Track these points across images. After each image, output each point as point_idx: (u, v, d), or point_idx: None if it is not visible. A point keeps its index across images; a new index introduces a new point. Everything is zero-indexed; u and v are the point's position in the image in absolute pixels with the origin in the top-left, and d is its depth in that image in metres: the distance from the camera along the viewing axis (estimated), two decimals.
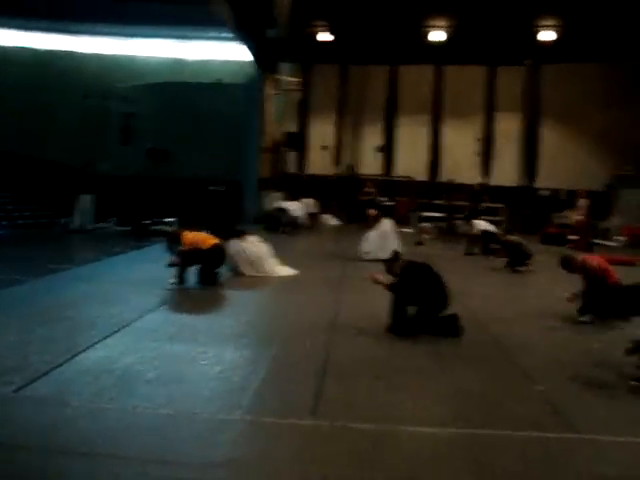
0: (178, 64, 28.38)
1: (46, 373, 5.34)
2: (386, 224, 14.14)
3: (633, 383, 5.66)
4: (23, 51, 28.47)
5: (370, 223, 14.44)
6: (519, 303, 10.06)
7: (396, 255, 8.02)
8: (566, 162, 24.96)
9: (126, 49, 28.81)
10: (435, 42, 23.70)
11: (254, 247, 11.09)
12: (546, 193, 25.78)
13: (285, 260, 11.88)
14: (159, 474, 3.78)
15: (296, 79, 25.50)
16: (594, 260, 9.04)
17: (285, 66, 26.24)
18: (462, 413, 4.98)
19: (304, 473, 3.86)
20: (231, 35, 23.41)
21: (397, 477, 3.87)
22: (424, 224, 21.32)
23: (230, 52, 26.87)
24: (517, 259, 13.34)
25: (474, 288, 10.86)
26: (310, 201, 21.53)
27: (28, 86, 26.82)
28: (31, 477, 3.64)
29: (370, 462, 4.02)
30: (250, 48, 23.13)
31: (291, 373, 5.82)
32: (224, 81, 26.01)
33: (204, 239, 9.86)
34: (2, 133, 25.86)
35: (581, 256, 9.47)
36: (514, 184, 25.76)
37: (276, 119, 24.99)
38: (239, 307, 8.85)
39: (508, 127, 25.83)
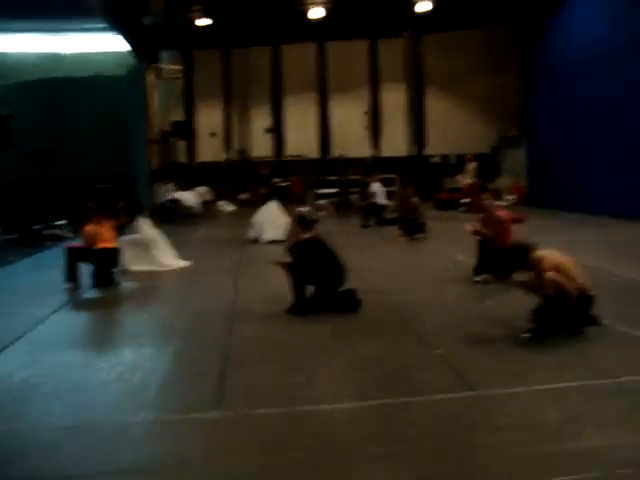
0: (55, 59, 27.27)
1: None
2: (272, 205, 14.18)
3: (524, 335, 5.91)
4: None
5: (258, 203, 14.57)
6: (416, 271, 10.33)
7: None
8: (453, 128, 25.66)
9: None
10: (315, 19, 23.71)
11: (150, 235, 10.88)
12: (436, 160, 26.47)
13: (181, 251, 11.73)
14: None
15: (178, 67, 25.01)
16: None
17: (166, 54, 25.68)
18: (365, 386, 5.08)
19: (211, 467, 3.85)
20: (107, 25, 22.67)
21: (305, 459, 3.90)
22: (320, 201, 21.50)
23: (108, 43, 26.06)
24: (412, 228, 13.65)
25: (372, 260, 11.06)
26: (203, 189, 21.30)
27: None
28: None
29: (277, 447, 4.04)
30: (127, 38, 22.48)
31: (193, 366, 5.77)
32: (105, 73, 25.20)
33: (102, 237, 9.54)
34: None
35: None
36: (405, 154, 26.28)
37: (161, 109, 24.47)
38: (135, 305, 8.70)
39: (394, 98, 26.27)
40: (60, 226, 18.00)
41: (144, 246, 10.68)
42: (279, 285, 7.76)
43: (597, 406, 4.46)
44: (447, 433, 4.17)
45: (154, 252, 10.76)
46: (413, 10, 23.20)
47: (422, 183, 24.05)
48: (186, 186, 20.33)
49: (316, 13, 23.55)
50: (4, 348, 6.41)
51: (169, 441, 4.29)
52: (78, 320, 7.96)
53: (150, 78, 23.35)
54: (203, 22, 23.39)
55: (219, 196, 23.46)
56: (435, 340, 6.15)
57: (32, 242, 16.51)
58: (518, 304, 6.79)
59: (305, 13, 23.58)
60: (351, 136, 25.67)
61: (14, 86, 24.69)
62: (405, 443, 4.04)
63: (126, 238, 10.67)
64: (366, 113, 26.21)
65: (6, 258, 13.63)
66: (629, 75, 15.92)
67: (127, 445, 4.20)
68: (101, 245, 9.50)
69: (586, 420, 4.22)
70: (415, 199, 14.35)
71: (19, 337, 6.80)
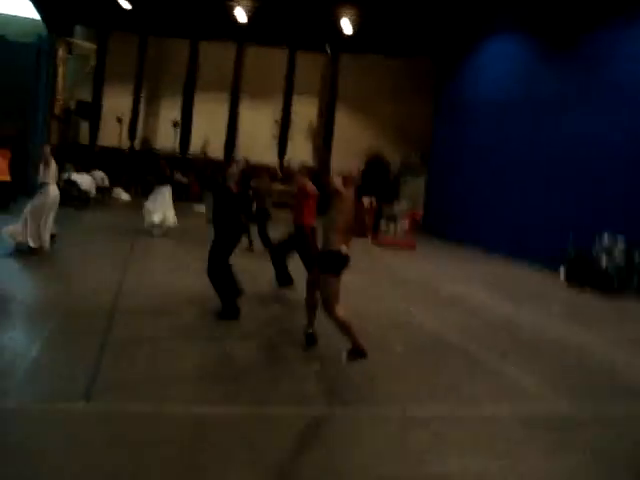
0: None
1: None
2: (164, 191, 13.81)
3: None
4: None
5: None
6: None
7: None
8: (360, 148, 25.77)
9: None
10: (238, 21, 23.59)
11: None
12: None
13: (71, 235, 11.35)
14: None
15: (91, 45, 24.26)
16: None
17: (81, 30, 24.88)
18: (237, 392, 5.06)
19: (71, 459, 3.72)
20: None
21: (169, 458, 3.85)
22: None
23: (18, 7, 24.93)
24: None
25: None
26: (100, 174, 20.69)
27: None
28: None
29: (141, 443, 3.97)
30: (39, 5, 21.62)
31: (65, 355, 5.57)
32: (9, 38, 24.03)
33: None
34: None
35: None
36: (309, 166, 26.47)
37: (68, 86, 23.65)
38: (10, 285, 8.30)
39: (305, 111, 26.46)
40: None
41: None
42: (163, 277, 7.63)
43: (461, 433, 4.63)
44: (312, 447, 4.22)
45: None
46: (336, 28, 23.50)
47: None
48: (83, 169, 19.68)
49: (239, 14, 23.45)
50: None
51: (31, 432, 4.10)
52: None
53: (60, 52, 22.53)
54: (123, 4, 22.80)
55: (116, 183, 22.84)
56: (314, 356, 6.21)
57: None
58: (398, 327, 6.92)
59: (228, 12, 23.43)
60: (258, 142, 25.62)
61: None
62: (272, 453, 4.05)
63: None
64: (276, 122, 26.27)
65: None
66: (523, 123, 16.90)
67: None
68: None
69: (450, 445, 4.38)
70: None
71: None
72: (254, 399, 4.91)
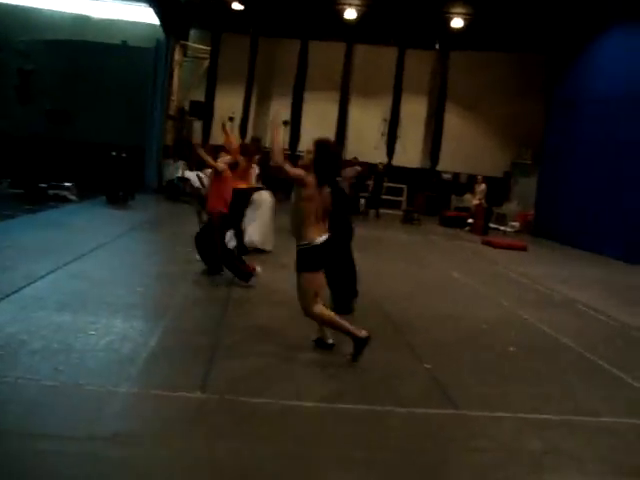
0: (82, 21, 27.15)
1: None
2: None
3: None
4: None
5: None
6: (413, 284, 10.32)
7: None
8: (468, 147, 25.65)
9: (28, 0, 27.33)
10: (348, 20, 23.68)
11: None
12: (448, 176, 26.46)
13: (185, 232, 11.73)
14: (40, 448, 3.67)
15: (205, 47, 24.99)
16: None
17: (195, 33, 25.68)
18: (350, 389, 5.09)
19: (189, 447, 3.85)
20: None
21: (283, 452, 3.91)
22: None
23: (138, 13, 26.01)
24: None
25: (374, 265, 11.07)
26: (208, 172, 21.27)
27: None
28: None
29: (257, 436, 4.05)
30: (159, 11, 22.48)
31: (183, 345, 5.77)
32: (130, 43, 25.15)
33: None
34: None
35: None
36: (417, 166, 26.28)
37: (183, 87, 24.48)
38: (134, 277, 8.68)
39: (414, 110, 26.22)
40: (66, 187, 18.00)
41: None
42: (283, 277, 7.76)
43: (578, 442, 4.47)
44: (427, 447, 4.18)
45: None
46: (446, 25, 23.20)
47: (432, 198, 24.18)
48: (196, 167, 20.28)
49: (349, 14, 23.54)
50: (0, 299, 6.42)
51: (150, 416, 4.30)
52: (74, 282, 7.86)
53: (176, 54, 23.36)
54: (236, 6, 23.36)
55: None
56: (425, 353, 6.17)
57: (36, 199, 16.52)
58: (510, 327, 6.78)
59: (338, 12, 23.56)
60: (367, 141, 25.59)
61: (40, 43, 24.63)
62: (385, 451, 4.04)
63: None
64: (385, 120, 26.17)
65: (7, 212, 13.66)
66: None
67: (108, 414, 4.21)
68: None
69: (566, 455, 4.23)
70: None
71: (13, 292, 6.81)
72: (368, 397, 4.91)
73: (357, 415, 4.59)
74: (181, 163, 18.95)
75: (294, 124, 25.83)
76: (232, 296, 7.87)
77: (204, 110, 25.30)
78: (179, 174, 18.27)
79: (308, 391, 4.93)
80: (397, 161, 25.50)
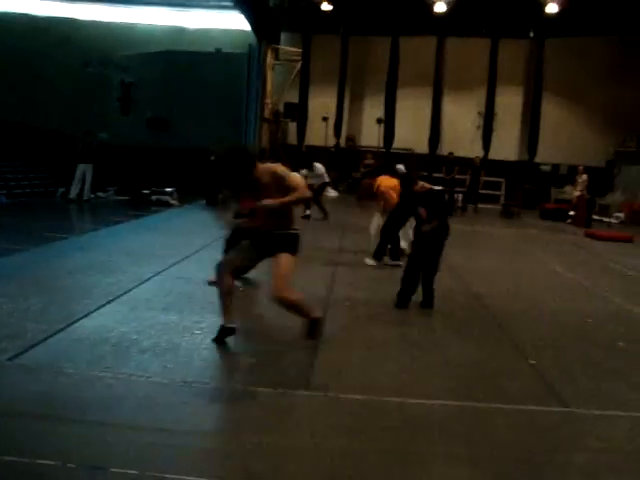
0: (178, 32, 28.06)
1: (42, 341, 5.38)
2: None
3: None
4: (20, 17, 28.10)
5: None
6: (514, 278, 10.09)
7: None
8: (568, 137, 24.84)
9: (126, 17, 28.50)
10: (438, 13, 23.38)
11: None
12: (547, 168, 25.70)
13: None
14: (149, 441, 3.83)
15: (296, 49, 25.29)
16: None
17: (285, 36, 26.03)
18: (454, 386, 5.04)
19: (295, 443, 3.92)
20: (232, 4, 23.18)
21: (388, 448, 3.91)
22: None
23: (230, 21, 26.58)
24: None
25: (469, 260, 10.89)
26: (319, 166, 21.46)
27: (26, 54, 26.54)
28: (25, 443, 3.68)
29: (361, 433, 4.07)
30: (250, 17, 22.92)
31: (287, 343, 5.87)
32: (224, 50, 25.76)
33: None
34: (2, 102, 25.73)
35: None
36: (514, 158, 25.67)
37: (276, 89, 24.85)
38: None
39: (510, 101, 25.63)
40: (167, 192, 18.65)
41: None
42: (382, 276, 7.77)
43: None
44: (532, 446, 4.06)
45: None
46: (540, 11, 22.52)
47: (530, 191, 23.53)
48: (293, 168, 20.57)
49: (439, 7, 23.25)
50: (108, 302, 6.72)
51: (255, 412, 4.38)
52: (179, 284, 8.14)
53: (268, 58, 23.74)
54: (325, 7, 23.52)
55: None
56: (530, 350, 6.02)
57: (140, 205, 17.21)
58: (618, 322, 6.54)
59: (428, 6, 23.31)
60: (462, 135, 25.23)
61: (139, 56, 25.62)
62: (489, 449, 3.98)
63: None
64: (480, 114, 25.70)
65: (115, 218, 14.30)
66: None
67: (214, 410, 4.35)
68: None
69: None
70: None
71: (122, 294, 7.10)
72: (472, 395, 4.85)
73: (461, 412, 4.54)
74: (278, 165, 19.22)
75: (388, 122, 25.78)
76: (332, 297, 7.93)
77: (298, 111, 25.61)
78: None
79: (410, 388, 4.91)
80: (494, 154, 25.02)
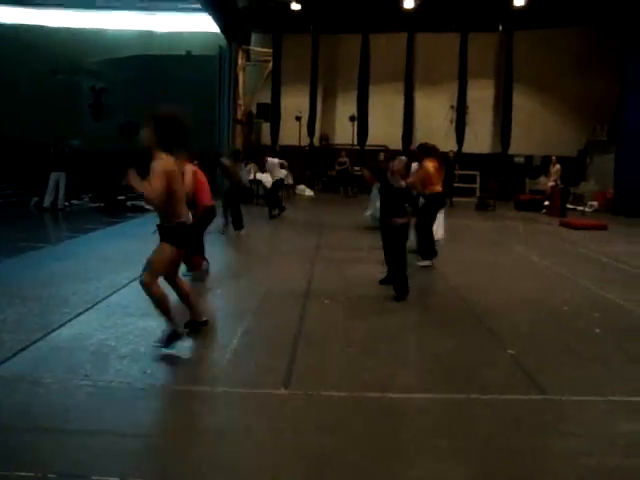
0: (148, 36, 27.96)
1: (20, 351, 5.33)
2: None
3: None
4: None
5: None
6: (491, 269, 10.17)
7: None
8: (540, 129, 25.07)
9: (95, 22, 28.30)
10: (407, 9, 23.47)
11: None
12: (520, 160, 25.94)
13: (261, 231, 11.91)
14: (132, 447, 3.82)
15: (267, 49, 25.28)
16: None
17: (256, 36, 26.01)
18: (433, 378, 5.07)
19: (273, 442, 3.92)
20: (200, 6, 23.10)
21: (368, 444, 3.93)
22: None
23: (200, 23, 26.51)
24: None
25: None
26: (283, 172, 21.46)
27: None
28: (4, 455, 3.65)
29: (343, 430, 4.09)
30: (220, 19, 22.86)
31: (264, 343, 5.88)
32: (195, 53, 25.70)
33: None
34: None
35: None
36: (488, 151, 25.87)
37: (248, 90, 24.81)
38: (212, 279, 8.86)
39: (481, 94, 25.83)
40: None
41: None
42: (359, 273, 7.80)
43: None
44: (514, 434, 4.11)
45: None
46: (508, 4, 22.67)
47: (505, 182, 23.71)
48: (267, 168, 20.55)
49: (408, 3, 23.33)
50: (86, 310, 6.68)
51: (237, 413, 4.39)
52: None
53: (239, 59, 23.70)
54: (294, 7, 23.52)
55: (299, 180, 23.68)
56: (508, 340, 6.07)
57: (116, 211, 17.08)
58: (594, 309, 6.61)
59: (396, 2, 23.39)
60: (435, 130, 25.29)
61: (109, 62, 25.50)
62: (470, 439, 4.01)
63: None
64: (452, 107, 25.85)
65: (90, 225, 14.18)
66: None
67: (198, 412, 4.35)
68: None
69: None
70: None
71: (100, 301, 7.07)
72: (451, 386, 4.89)
73: (442, 404, 4.57)
74: (252, 166, 19.19)
75: (361, 119, 25.84)
76: (310, 293, 7.95)
77: (271, 112, 25.60)
78: (251, 177, 18.51)
79: (390, 382, 4.93)
80: (468, 148, 25.21)
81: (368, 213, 13.31)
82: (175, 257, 5.45)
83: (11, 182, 21.48)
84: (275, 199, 16.44)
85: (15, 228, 15.08)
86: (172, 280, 5.65)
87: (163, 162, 5.30)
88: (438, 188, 9.94)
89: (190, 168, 8.17)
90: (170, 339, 5.37)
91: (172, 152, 5.39)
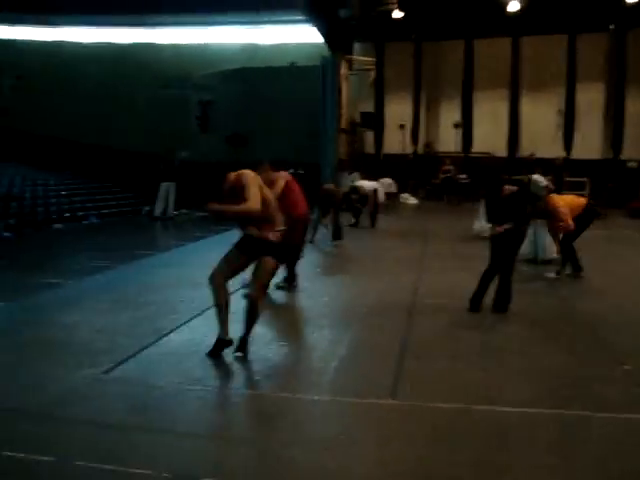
0: (253, 49, 28.58)
1: (133, 355, 5.55)
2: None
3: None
4: (102, 46, 29.38)
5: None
6: (606, 277, 9.76)
7: None
8: None
9: (202, 38, 29.26)
10: (511, 13, 22.94)
11: None
12: (633, 165, 24.78)
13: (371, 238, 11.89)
14: (240, 452, 3.89)
15: (370, 58, 25.30)
16: None
17: (359, 46, 26.09)
18: (544, 393, 4.89)
19: (380, 452, 3.90)
20: (304, 17, 23.41)
21: (475, 457, 3.84)
22: None
23: (303, 34, 26.83)
24: None
25: None
26: (389, 180, 21.40)
27: (109, 80, 27.69)
28: (121, 452, 3.80)
29: (448, 442, 4.01)
30: (323, 29, 23.08)
31: (370, 353, 5.86)
32: (298, 64, 26.06)
33: None
34: (87, 127, 26.92)
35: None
36: (598, 157, 24.87)
37: (352, 100, 24.89)
38: (317, 289, 8.92)
39: (591, 97, 24.87)
40: None
41: None
42: (462, 282, 7.68)
43: None
44: (632, 457, 3.87)
45: None
46: (620, 2, 21.74)
47: (616, 189, 22.73)
48: (371, 177, 20.54)
49: (513, 6, 22.82)
50: (194, 316, 6.88)
51: (343, 422, 4.40)
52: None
53: (342, 69, 23.83)
54: (396, 15, 23.44)
55: (402, 188, 23.55)
56: (623, 354, 5.79)
57: (222, 220, 17.50)
58: None
59: (501, 6, 22.92)
60: (542, 135, 24.59)
61: (215, 75, 26.27)
62: (584, 459, 3.84)
63: None
64: (560, 112, 25.04)
65: (198, 233, 14.66)
66: None
67: (304, 420, 4.38)
68: None
69: None
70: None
71: (208, 308, 7.16)
72: (563, 402, 4.69)
73: (552, 420, 4.40)
74: (356, 174, 19.24)
75: (465, 126, 25.47)
76: (416, 300, 7.87)
77: (375, 120, 25.61)
78: (355, 185, 18.57)
79: (500, 396, 4.80)
80: (576, 153, 24.33)
81: (477, 227, 12.96)
82: (275, 267, 5.51)
83: (126, 192, 22.51)
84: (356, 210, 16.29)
85: (128, 236, 15.78)
86: (223, 284, 5.64)
87: (252, 176, 5.48)
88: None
89: (283, 177, 8.32)
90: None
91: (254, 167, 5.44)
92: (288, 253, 5.59)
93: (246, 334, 5.48)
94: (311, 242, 12.56)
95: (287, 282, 8.49)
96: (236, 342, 5.49)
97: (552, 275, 9.43)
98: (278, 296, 8.24)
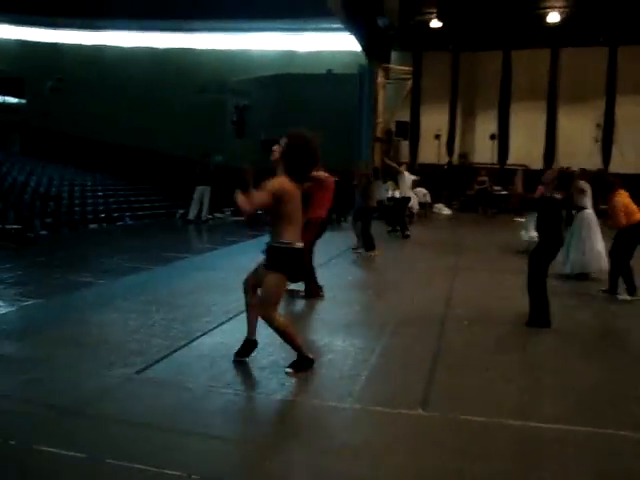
0: (290, 56, 28.75)
1: (166, 356, 5.59)
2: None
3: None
4: (143, 50, 29.80)
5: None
6: None
7: None
8: None
9: (240, 43, 29.51)
10: (551, 24, 22.75)
11: None
12: None
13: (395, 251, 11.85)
14: (270, 457, 3.88)
15: (407, 67, 25.25)
16: None
17: (396, 55, 26.07)
18: (579, 410, 4.79)
19: (411, 463, 3.86)
20: (342, 25, 23.47)
21: (507, 472, 3.79)
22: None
23: (341, 42, 26.92)
24: None
25: None
26: (423, 190, 21.30)
27: (148, 84, 28.08)
28: (153, 453, 3.81)
29: (479, 456, 3.96)
30: (361, 37, 23.10)
31: (402, 363, 5.82)
32: (335, 71, 26.12)
33: None
34: (125, 129, 27.32)
35: None
36: (636, 171, 24.47)
37: (388, 108, 24.87)
38: (349, 298, 8.90)
39: (631, 111, 24.51)
40: None
41: None
42: (494, 293, 7.60)
43: None
44: None
45: None
46: None
47: None
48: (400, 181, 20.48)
49: (552, 18, 22.63)
50: (226, 320, 6.91)
51: (373, 431, 4.38)
52: (295, 303, 8.27)
53: (379, 77, 23.83)
54: (434, 24, 23.40)
55: (436, 199, 23.44)
56: None
57: (255, 225, 17.59)
58: None
59: (540, 17, 22.74)
60: (579, 148, 24.30)
61: (252, 81, 26.45)
62: (618, 478, 3.76)
63: None
64: (599, 126, 24.72)
65: (231, 238, 14.73)
66: None
67: (333, 428, 4.37)
68: None
69: None
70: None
71: (240, 312, 7.17)
72: (595, 419, 4.59)
73: (585, 437, 4.31)
74: (390, 184, 19.21)
75: (502, 137, 25.28)
76: (449, 311, 7.81)
77: (410, 130, 25.54)
78: (389, 195, 18.51)
79: (531, 410, 4.74)
80: (614, 167, 23.97)
81: (525, 238, 12.73)
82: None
83: (160, 195, 22.74)
84: (400, 218, 16.29)
85: (161, 238, 15.92)
86: (253, 286, 5.60)
87: (278, 182, 5.29)
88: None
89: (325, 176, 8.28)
90: (302, 366, 5.33)
91: (296, 179, 5.35)
92: (296, 264, 5.39)
93: (295, 351, 5.39)
94: (355, 249, 12.64)
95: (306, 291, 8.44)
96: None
97: (626, 297, 8.81)
98: (310, 305, 8.26)
